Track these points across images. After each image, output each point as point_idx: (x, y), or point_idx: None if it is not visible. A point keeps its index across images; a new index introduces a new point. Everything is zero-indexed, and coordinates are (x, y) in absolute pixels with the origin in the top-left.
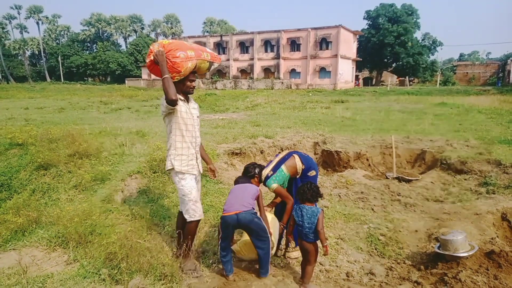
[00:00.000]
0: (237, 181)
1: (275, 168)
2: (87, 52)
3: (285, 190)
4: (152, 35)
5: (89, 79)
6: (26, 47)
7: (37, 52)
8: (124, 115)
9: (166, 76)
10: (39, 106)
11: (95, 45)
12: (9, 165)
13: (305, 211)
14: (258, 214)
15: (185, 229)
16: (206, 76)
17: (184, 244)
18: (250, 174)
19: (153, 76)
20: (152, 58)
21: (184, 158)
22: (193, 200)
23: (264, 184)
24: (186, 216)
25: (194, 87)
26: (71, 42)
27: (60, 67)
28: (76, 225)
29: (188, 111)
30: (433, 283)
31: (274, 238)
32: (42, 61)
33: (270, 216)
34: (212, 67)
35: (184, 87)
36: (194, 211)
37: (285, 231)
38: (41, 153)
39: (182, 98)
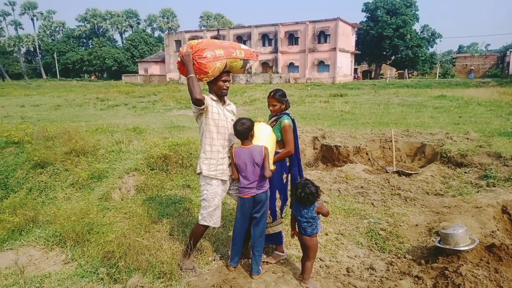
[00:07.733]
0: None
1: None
2: (83, 48)
3: (292, 135)
4: (148, 30)
5: (86, 75)
6: (21, 44)
7: (32, 49)
8: (121, 111)
9: (190, 75)
10: (35, 104)
11: (90, 41)
12: (5, 163)
13: (301, 208)
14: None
15: (193, 229)
16: None
17: (188, 245)
18: (245, 135)
19: (149, 72)
20: (179, 59)
21: (213, 163)
22: (212, 207)
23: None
24: (199, 217)
25: (227, 87)
26: (67, 38)
27: (56, 64)
28: (74, 224)
29: (221, 112)
30: (433, 277)
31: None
32: (37, 58)
33: (265, 128)
34: (248, 65)
35: (216, 87)
36: (210, 217)
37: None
38: (38, 151)
39: (215, 98)
